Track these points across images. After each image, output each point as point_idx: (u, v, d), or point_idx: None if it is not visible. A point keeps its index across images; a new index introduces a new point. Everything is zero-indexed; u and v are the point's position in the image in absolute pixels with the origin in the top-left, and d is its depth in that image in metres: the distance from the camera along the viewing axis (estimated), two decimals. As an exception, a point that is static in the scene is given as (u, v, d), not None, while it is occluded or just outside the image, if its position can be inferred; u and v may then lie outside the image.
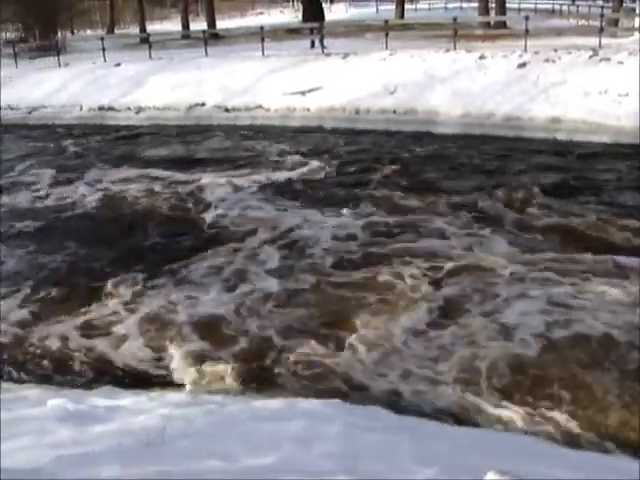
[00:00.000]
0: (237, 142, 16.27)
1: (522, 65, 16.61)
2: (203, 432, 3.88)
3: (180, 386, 5.82)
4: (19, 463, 3.28)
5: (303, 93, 17.98)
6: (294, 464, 3.30)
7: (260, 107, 18.38)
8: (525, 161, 12.92)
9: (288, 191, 11.70)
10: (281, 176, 12.68)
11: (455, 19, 20.45)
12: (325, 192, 11.56)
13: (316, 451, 3.53)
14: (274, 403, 4.91)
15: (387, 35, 20.67)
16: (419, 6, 48.52)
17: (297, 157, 14.01)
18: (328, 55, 20.22)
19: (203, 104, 19.24)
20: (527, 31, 18.60)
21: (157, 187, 12.37)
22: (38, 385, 6.02)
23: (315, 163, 13.36)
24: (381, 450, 3.68)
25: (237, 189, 11.98)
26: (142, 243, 9.63)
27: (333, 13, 41.74)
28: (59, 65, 24.64)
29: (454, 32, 19.62)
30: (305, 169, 13.07)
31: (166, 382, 5.94)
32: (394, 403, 5.37)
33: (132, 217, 10.85)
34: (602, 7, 25.86)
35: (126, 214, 11.04)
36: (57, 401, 4.59)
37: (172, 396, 5.28)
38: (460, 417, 5.18)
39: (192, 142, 16.71)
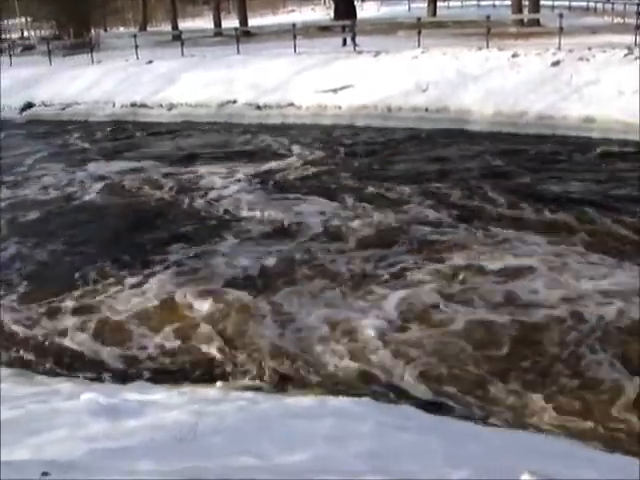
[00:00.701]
0: (265, 139, 16.36)
1: (556, 63, 16.45)
2: (235, 428, 3.89)
3: (211, 382, 5.85)
4: (54, 455, 3.31)
5: (335, 91, 17.96)
6: (327, 463, 3.29)
7: (292, 105, 18.38)
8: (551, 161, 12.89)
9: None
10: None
11: (488, 17, 20.27)
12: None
13: (349, 450, 3.52)
14: (305, 400, 4.91)
15: (419, 33, 20.53)
16: (451, 4, 48.16)
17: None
18: (360, 53, 20.19)
19: (235, 101, 19.30)
20: (561, 29, 18.40)
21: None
22: (70, 379, 6.10)
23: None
24: (413, 450, 3.66)
25: (241, 180, 12.54)
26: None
27: (365, 11, 41.57)
28: (92, 62, 24.89)
29: (487, 30, 19.48)
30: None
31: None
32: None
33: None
34: (638, 4, 25.40)
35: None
36: (90, 395, 4.63)
37: (203, 392, 5.30)
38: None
39: (223, 139, 16.90)
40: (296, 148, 14.96)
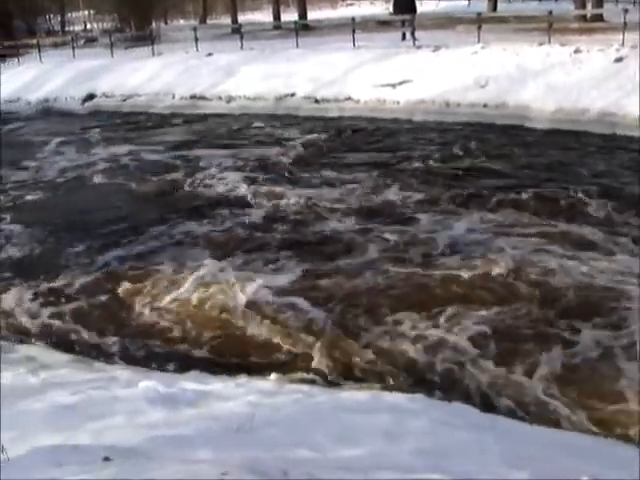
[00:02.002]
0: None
1: (619, 60, 16.08)
2: (291, 421, 3.92)
3: (266, 373, 5.89)
4: (114, 441, 3.38)
5: (393, 86, 17.87)
6: (383, 459, 3.29)
7: (349, 99, 18.34)
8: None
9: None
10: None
11: (550, 12, 19.93)
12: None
13: (403, 447, 3.52)
14: (359, 395, 4.93)
15: (479, 28, 20.27)
16: (512, -2, 47.48)
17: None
18: (419, 48, 20.03)
19: (293, 94, 19.35)
20: (625, 24, 17.98)
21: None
22: (128, 366, 6.20)
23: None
24: (468, 449, 3.64)
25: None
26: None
27: (424, 6, 41.26)
28: (153, 55, 25.23)
29: (549, 25, 19.14)
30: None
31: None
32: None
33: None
34: None
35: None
36: (148, 383, 4.71)
37: (259, 383, 5.34)
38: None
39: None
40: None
